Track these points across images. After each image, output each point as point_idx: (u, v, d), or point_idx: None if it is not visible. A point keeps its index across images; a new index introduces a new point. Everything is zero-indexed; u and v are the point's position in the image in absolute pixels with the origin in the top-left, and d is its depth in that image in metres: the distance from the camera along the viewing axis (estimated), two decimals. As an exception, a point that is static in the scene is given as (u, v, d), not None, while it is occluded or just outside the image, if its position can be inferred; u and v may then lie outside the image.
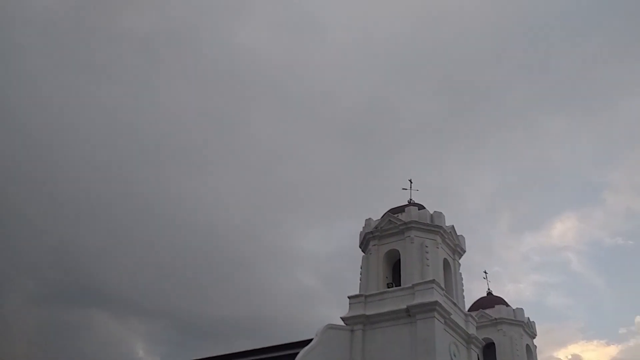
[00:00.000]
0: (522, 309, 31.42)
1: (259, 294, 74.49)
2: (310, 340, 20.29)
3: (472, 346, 22.54)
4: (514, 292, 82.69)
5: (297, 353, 19.28)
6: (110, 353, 65.45)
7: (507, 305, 31.77)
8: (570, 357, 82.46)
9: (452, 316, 21.26)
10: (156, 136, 73.80)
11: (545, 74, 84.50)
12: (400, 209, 25.58)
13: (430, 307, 20.19)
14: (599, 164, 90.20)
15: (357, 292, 23.29)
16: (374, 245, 24.80)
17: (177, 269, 71.35)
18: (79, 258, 70.38)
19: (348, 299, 23.01)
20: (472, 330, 22.88)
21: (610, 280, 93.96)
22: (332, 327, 21.33)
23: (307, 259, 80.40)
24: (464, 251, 25.97)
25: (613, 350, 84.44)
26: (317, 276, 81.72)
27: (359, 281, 24.23)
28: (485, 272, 35.20)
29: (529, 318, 31.64)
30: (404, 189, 27.70)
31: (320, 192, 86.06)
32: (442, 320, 20.58)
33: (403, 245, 23.83)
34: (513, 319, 30.60)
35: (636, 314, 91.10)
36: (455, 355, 20.74)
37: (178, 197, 73.50)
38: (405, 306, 20.86)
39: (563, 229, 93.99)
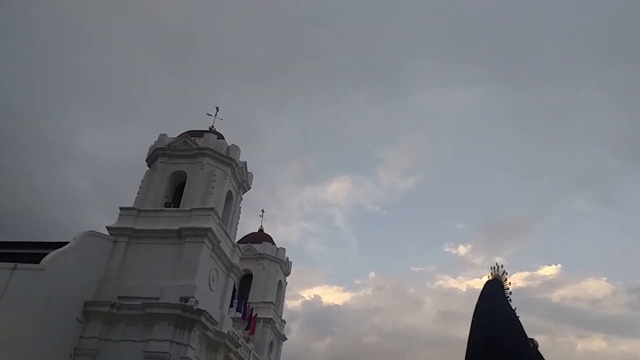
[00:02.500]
0: (284, 249, 34.75)
1: (15, 184, 65.04)
2: (66, 243, 18.94)
3: (232, 274, 24.05)
4: (283, 234, 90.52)
5: (48, 253, 17.83)
6: None
7: (273, 243, 34.72)
8: (312, 296, 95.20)
9: (220, 244, 22.23)
10: None
11: (363, 49, 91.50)
12: (199, 133, 25.20)
13: (202, 233, 20.72)
14: (380, 142, 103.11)
15: (132, 205, 22.46)
16: (162, 162, 24.02)
17: None
18: None
19: (119, 210, 22.04)
20: (235, 260, 24.33)
21: (360, 240, 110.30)
22: (93, 234, 20.24)
23: (85, 160, 73.04)
24: (249, 188, 27.12)
25: (347, 296, 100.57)
26: (92, 181, 75.17)
27: (137, 195, 23.34)
28: (262, 211, 37.76)
29: (287, 258, 35.19)
30: (208, 114, 27.33)
31: (116, 93, 78.41)
32: (210, 247, 21.37)
33: (192, 169, 23.69)
34: (274, 256, 33.66)
35: (371, 271, 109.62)
36: (213, 280, 21.88)
37: None
38: (178, 227, 20.97)
39: (337, 189, 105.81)
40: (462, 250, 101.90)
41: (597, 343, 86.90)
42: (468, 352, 8.09)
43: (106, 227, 21.33)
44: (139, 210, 22.06)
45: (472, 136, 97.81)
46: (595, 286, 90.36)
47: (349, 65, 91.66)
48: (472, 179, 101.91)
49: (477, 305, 8.38)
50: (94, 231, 20.47)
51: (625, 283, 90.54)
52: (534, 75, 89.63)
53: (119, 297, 19.41)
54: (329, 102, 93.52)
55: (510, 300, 8.95)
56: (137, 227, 21.28)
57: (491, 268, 9.14)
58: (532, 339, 9.13)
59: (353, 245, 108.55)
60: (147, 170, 24.35)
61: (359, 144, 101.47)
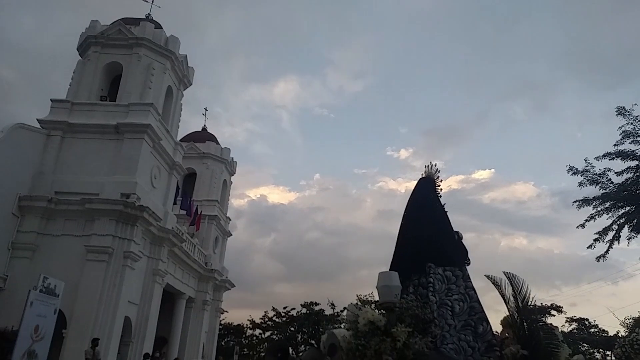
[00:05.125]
0: (228, 149, 34.52)
1: None
2: (-7, 135, 17.84)
3: (175, 172, 23.81)
4: (229, 134, 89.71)
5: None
6: None
7: (217, 143, 34.33)
8: (259, 196, 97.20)
9: (161, 142, 21.68)
10: None
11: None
12: (134, 21, 23.34)
13: (141, 129, 20.03)
14: (331, 42, 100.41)
15: (65, 98, 21.11)
16: (95, 52, 22.34)
17: None
18: None
19: (50, 102, 20.71)
20: (178, 159, 23.96)
21: (306, 142, 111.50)
22: (23, 126, 19.06)
23: (10, 47, 66.79)
24: (191, 84, 26.01)
25: (292, 196, 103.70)
26: (19, 71, 69.53)
27: (69, 87, 21.86)
28: (205, 109, 36.76)
29: (232, 158, 35.12)
30: (144, 0, 25.10)
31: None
32: (151, 144, 20.82)
33: (128, 61, 22.25)
34: (218, 156, 33.45)
35: (316, 173, 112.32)
36: (155, 178, 21.64)
37: None
38: (115, 122, 20.13)
39: (284, 90, 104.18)
40: (403, 154, 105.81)
41: (519, 240, 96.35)
42: (398, 241, 8.78)
43: (37, 120, 20.12)
44: (73, 103, 20.82)
45: (421, 41, 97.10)
46: (523, 189, 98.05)
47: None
48: (417, 84, 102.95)
49: (409, 199, 8.94)
50: (23, 124, 19.26)
51: (550, 187, 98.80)
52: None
53: (56, 192, 18.89)
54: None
55: (440, 196, 9.59)
56: (71, 120, 20.20)
57: (425, 167, 9.66)
58: (457, 232, 9.96)
59: (298, 146, 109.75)
60: (79, 60, 22.60)
61: (308, 42, 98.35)
